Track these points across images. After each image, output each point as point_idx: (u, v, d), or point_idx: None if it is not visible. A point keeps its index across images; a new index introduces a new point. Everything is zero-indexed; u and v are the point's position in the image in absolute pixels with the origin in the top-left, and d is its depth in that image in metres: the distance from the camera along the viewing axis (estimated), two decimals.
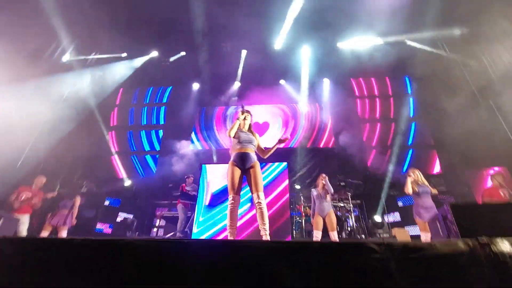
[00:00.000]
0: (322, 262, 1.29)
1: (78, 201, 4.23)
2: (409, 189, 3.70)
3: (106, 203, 6.14)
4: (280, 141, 2.69)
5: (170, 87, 8.91)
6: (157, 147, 8.01)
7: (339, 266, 1.31)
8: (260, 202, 2.47)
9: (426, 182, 3.75)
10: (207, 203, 6.00)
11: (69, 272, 1.29)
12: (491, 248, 1.28)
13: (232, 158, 2.65)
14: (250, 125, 2.88)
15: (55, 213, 3.99)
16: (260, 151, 2.84)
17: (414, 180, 3.78)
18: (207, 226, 5.26)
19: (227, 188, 2.58)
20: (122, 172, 7.42)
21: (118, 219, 5.93)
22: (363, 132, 7.51)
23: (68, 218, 3.98)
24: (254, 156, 2.66)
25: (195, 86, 8.61)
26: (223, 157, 7.29)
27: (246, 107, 2.99)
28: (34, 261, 1.35)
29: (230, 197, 2.50)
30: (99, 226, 5.72)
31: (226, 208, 2.60)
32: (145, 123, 8.50)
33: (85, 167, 6.80)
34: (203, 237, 4.83)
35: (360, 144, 7.10)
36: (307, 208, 5.03)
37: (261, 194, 2.50)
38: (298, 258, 1.30)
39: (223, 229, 4.99)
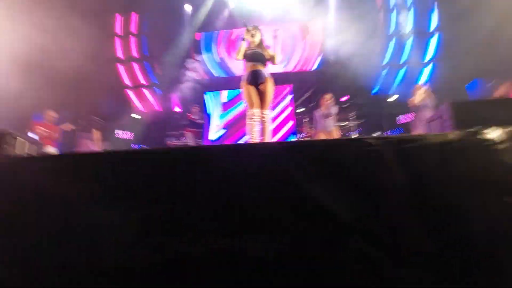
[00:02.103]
0: (319, 158, 1.42)
1: (97, 133, 4.46)
2: (416, 100, 3.75)
3: (120, 135, 6.50)
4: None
5: (157, 13, 8.12)
6: (157, 80, 7.85)
7: (336, 160, 1.42)
8: (265, 118, 2.59)
9: (429, 100, 3.79)
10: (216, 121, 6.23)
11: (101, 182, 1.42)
12: (481, 136, 1.38)
13: (244, 77, 2.70)
14: (260, 41, 2.81)
15: (79, 145, 4.28)
16: (272, 61, 2.83)
17: (424, 94, 3.81)
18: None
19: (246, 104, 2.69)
20: (138, 105, 7.49)
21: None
22: (372, 49, 7.05)
23: (93, 148, 4.28)
24: (265, 73, 2.69)
25: (188, 8, 7.85)
26: (228, 83, 7.16)
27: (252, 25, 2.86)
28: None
29: (249, 111, 2.62)
30: None
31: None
32: (146, 53, 8.04)
33: (94, 101, 6.85)
34: None
35: (368, 63, 6.78)
36: (311, 129, 5.22)
37: (266, 111, 2.61)
38: (296, 155, 1.42)
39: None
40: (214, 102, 7.03)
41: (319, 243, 1.18)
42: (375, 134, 5.78)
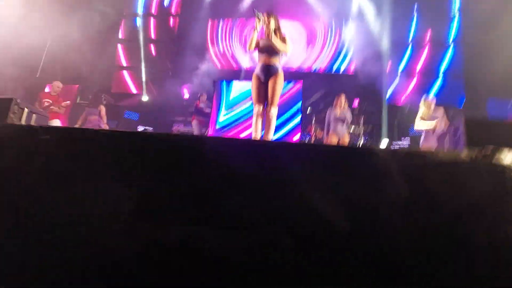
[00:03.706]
0: (328, 164, 1.38)
1: (103, 109, 4.52)
2: (418, 125, 3.65)
3: (126, 115, 6.55)
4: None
5: None
6: (169, 63, 7.82)
7: (342, 168, 1.38)
8: (270, 115, 2.52)
9: (438, 113, 3.66)
10: (223, 114, 6.28)
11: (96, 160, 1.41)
12: (495, 160, 1.31)
13: (255, 69, 2.60)
14: (275, 29, 2.56)
15: (86, 119, 4.34)
16: (284, 50, 2.62)
17: (425, 111, 3.69)
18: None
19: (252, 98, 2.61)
20: (132, 88, 7.52)
21: (139, 130, 6.38)
22: (389, 57, 6.91)
23: (100, 124, 4.35)
24: (277, 67, 2.55)
25: None
26: (238, 75, 7.12)
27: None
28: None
29: (255, 108, 2.55)
30: None
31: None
32: (153, 37, 8.04)
33: (101, 80, 6.90)
34: None
35: (384, 71, 6.65)
36: (318, 129, 5.15)
37: (274, 109, 2.52)
38: (305, 157, 1.38)
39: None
40: (224, 92, 6.99)
41: (306, 253, 1.15)
42: (382, 142, 5.69)
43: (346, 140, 4.04)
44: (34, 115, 2.15)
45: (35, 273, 1.13)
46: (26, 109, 1.92)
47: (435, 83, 6.62)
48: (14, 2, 4.88)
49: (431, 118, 3.56)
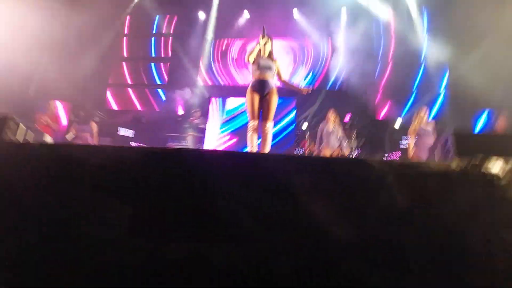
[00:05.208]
0: (323, 176, 1.41)
1: (94, 127, 4.50)
2: (411, 130, 3.77)
3: (121, 132, 6.54)
4: (300, 90, 2.88)
5: (175, 16, 8.31)
6: (165, 81, 7.95)
7: (336, 178, 1.41)
8: (267, 130, 2.57)
9: (429, 127, 3.79)
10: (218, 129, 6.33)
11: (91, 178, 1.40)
12: (483, 169, 1.38)
13: (251, 84, 2.67)
14: (270, 52, 2.80)
15: (77, 136, 4.31)
16: (279, 77, 2.86)
17: (419, 121, 3.82)
18: None
19: (247, 113, 2.67)
20: (137, 104, 7.72)
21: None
22: (380, 72, 7.14)
23: (91, 141, 4.31)
24: (272, 83, 2.68)
25: (201, 15, 8.01)
26: (232, 92, 7.25)
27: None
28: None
29: (250, 123, 2.60)
30: None
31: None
32: (153, 55, 8.24)
33: (96, 97, 6.92)
34: None
35: (373, 86, 6.87)
36: (312, 143, 5.22)
37: (270, 123, 2.59)
38: (298, 169, 1.41)
39: None
40: (218, 108, 7.10)
41: (309, 260, 1.15)
42: (376, 157, 5.78)
43: (338, 153, 4.13)
44: (28, 131, 2.13)
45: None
46: (21, 125, 1.92)
47: (409, 100, 6.84)
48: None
49: (422, 131, 3.68)
